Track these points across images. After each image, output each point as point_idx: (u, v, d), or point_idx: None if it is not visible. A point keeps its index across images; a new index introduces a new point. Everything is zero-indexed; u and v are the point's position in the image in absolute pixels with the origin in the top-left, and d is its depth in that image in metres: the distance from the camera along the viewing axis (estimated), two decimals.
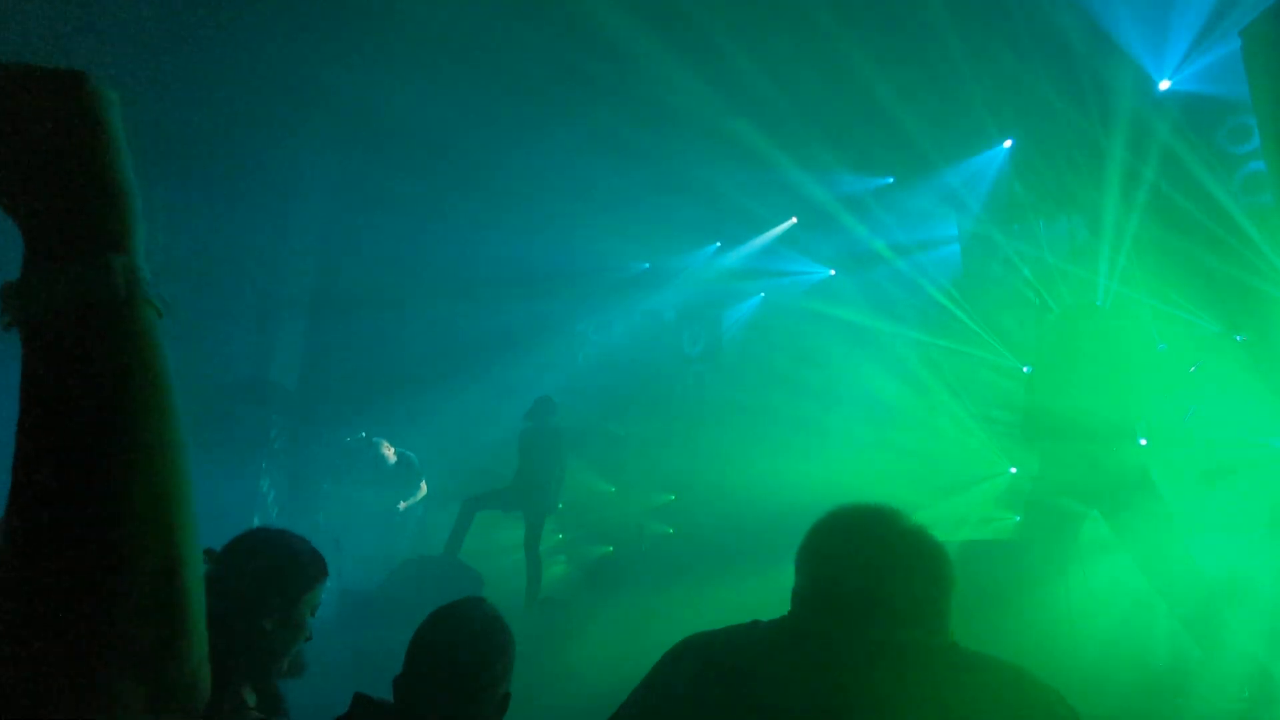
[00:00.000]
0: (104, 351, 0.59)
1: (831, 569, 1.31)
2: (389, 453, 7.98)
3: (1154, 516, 3.81)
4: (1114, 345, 4.15)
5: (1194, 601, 3.66)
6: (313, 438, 8.93)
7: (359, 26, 6.17)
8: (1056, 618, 3.73)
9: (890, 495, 1.39)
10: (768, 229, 8.58)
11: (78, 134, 0.61)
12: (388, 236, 8.68)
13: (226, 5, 5.91)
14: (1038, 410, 4.28)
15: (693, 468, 8.20)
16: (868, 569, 1.27)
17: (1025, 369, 5.63)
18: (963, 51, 5.65)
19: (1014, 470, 6.04)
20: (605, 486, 8.85)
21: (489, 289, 9.11)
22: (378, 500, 7.98)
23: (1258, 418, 4.52)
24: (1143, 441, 4.13)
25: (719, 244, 9.26)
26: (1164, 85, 5.44)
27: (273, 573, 1.70)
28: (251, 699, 1.66)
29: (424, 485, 8.12)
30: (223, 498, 7.08)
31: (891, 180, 7.45)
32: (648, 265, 9.98)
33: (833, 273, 8.45)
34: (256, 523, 7.28)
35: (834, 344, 7.36)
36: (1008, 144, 6.59)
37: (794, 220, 8.38)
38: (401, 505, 7.93)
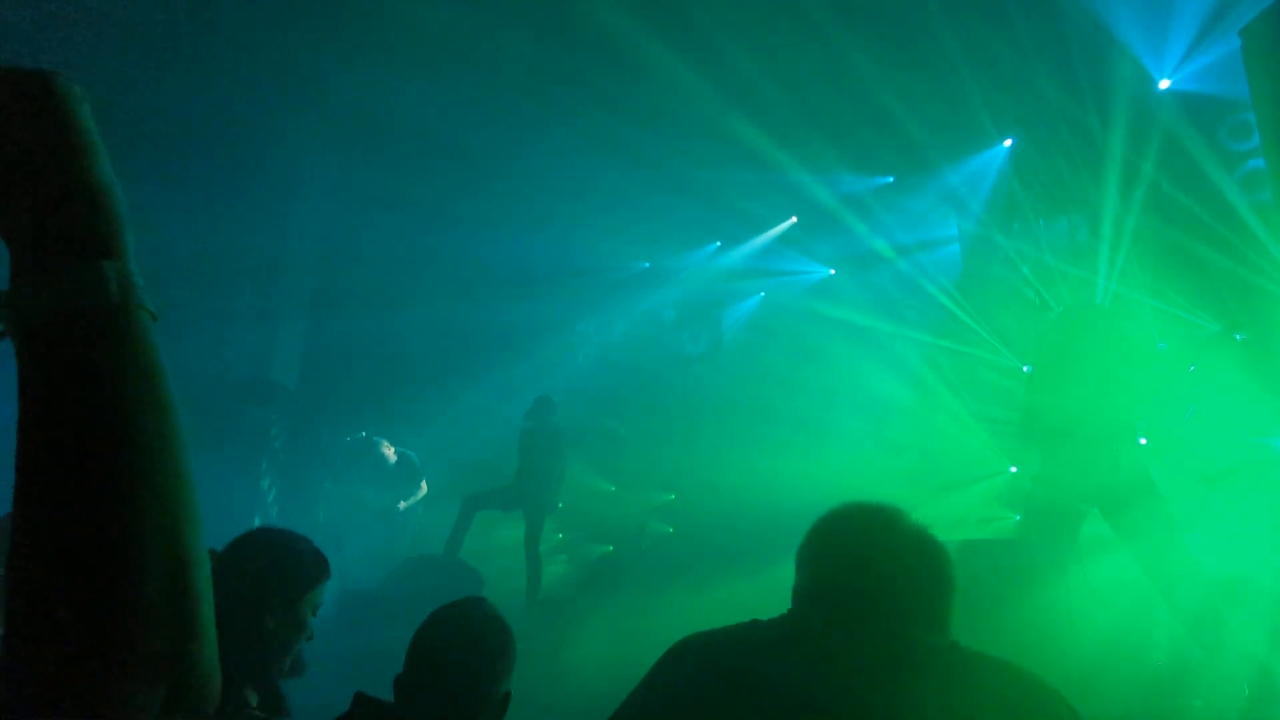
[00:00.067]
0: (100, 359, 0.58)
1: (832, 568, 1.31)
2: (389, 452, 7.98)
3: (1154, 515, 3.82)
4: (1114, 345, 4.15)
5: (1194, 601, 3.66)
6: (313, 438, 8.92)
7: (359, 26, 6.17)
8: (1056, 617, 3.73)
9: (890, 494, 1.39)
10: (768, 228, 8.59)
11: (48, 135, 0.59)
12: (388, 236, 8.67)
13: (227, 5, 5.91)
14: (1038, 409, 4.28)
15: (693, 467, 8.21)
16: (868, 568, 1.27)
17: (1025, 368, 5.63)
18: (963, 51, 5.65)
19: (1014, 469, 6.05)
20: (605, 486, 8.84)
21: (489, 289, 9.10)
22: (378, 499, 7.98)
23: (1258, 418, 4.51)
24: (1142, 441, 4.14)
25: (719, 243, 9.25)
26: (1164, 84, 5.44)
27: (275, 572, 1.71)
28: (253, 698, 1.66)
29: (424, 484, 8.12)
30: (223, 497, 7.09)
31: (891, 180, 7.45)
32: (648, 265, 9.98)
33: (833, 272, 8.46)
34: (257, 522, 7.31)
35: (834, 344, 7.36)
36: (1008, 143, 6.59)
37: (794, 220, 8.38)
38: (402, 505, 7.93)
